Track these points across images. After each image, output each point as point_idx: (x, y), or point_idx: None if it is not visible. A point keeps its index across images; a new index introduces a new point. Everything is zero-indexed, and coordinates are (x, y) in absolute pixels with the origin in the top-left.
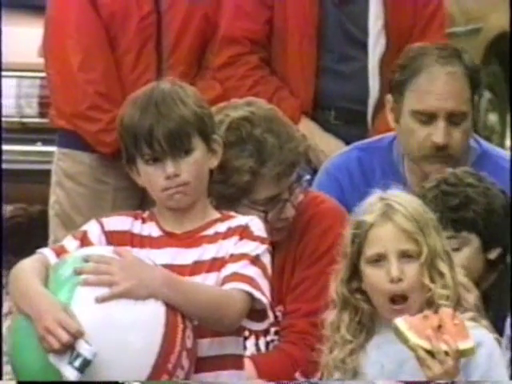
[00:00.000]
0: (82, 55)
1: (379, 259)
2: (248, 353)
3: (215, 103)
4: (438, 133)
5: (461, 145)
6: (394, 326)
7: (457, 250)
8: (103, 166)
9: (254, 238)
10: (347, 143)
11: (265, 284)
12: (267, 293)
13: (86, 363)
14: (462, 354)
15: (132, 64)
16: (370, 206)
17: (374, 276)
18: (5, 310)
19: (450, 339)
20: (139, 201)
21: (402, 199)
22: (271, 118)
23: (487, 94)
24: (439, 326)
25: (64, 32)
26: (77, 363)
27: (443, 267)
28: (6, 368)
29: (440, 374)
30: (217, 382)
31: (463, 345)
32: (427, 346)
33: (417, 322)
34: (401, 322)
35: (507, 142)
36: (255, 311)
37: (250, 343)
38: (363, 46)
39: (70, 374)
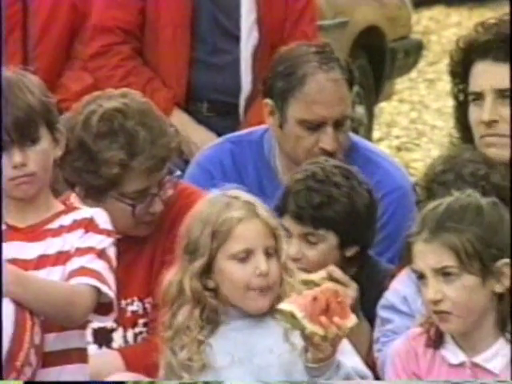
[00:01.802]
0: None
1: (246, 255)
2: (115, 345)
3: (85, 94)
4: (326, 140)
5: (345, 147)
6: (286, 313)
7: (313, 244)
8: None
9: (100, 231)
10: (219, 135)
11: (111, 278)
12: (113, 287)
13: None
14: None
15: None
16: (225, 204)
17: (238, 271)
18: None
19: (340, 320)
20: None
21: (252, 197)
22: (145, 111)
23: (354, 87)
24: (327, 306)
25: None
26: None
27: (292, 265)
28: None
29: (329, 354)
30: None
31: (349, 322)
32: (322, 332)
33: (308, 307)
34: (295, 309)
35: (374, 135)
36: (101, 305)
37: (118, 335)
38: (236, 39)
39: None
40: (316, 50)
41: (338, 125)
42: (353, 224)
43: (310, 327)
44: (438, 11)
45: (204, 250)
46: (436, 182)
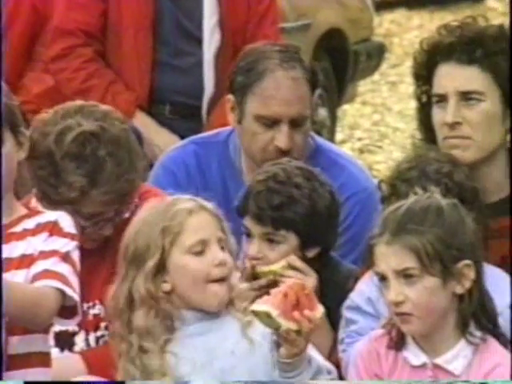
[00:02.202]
0: None
1: (202, 247)
2: (77, 348)
3: (46, 96)
4: (281, 138)
5: (302, 147)
6: (260, 314)
7: (274, 245)
8: None
9: (64, 235)
10: (182, 137)
11: (75, 281)
12: (77, 290)
13: None
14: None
15: None
16: (170, 202)
17: (197, 264)
18: None
19: (310, 312)
20: None
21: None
22: (120, 140)
23: (317, 90)
24: (297, 301)
25: None
26: None
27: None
28: None
29: (303, 348)
30: None
31: (318, 313)
32: (296, 327)
33: (281, 304)
34: (270, 308)
35: (337, 137)
36: (65, 308)
37: (80, 339)
38: (198, 41)
39: None
40: (279, 49)
41: (294, 124)
42: (314, 225)
43: (285, 324)
44: (399, 14)
45: (155, 248)
46: (400, 179)
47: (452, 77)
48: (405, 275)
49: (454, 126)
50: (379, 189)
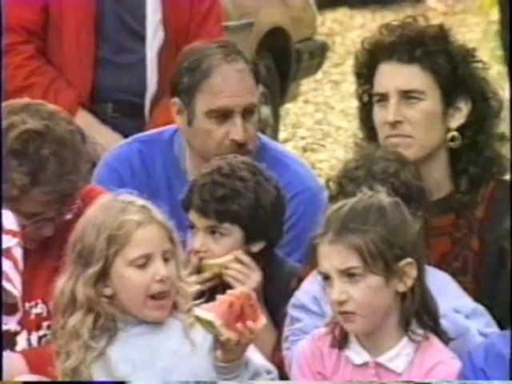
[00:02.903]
0: None
1: (145, 261)
2: (19, 348)
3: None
4: (235, 130)
5: (255, 139)
6: (204, 321)
7: (218, 238)
8: None
9: (6, 231)
10: (125, 136)
11: (16, 277)
12: (19, 286)
13: None
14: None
15: None
16: (121, 208)
17: (138, 277)
18: None
19: (253, 324)
20: None
21: (146, 201)
22: (65, 141)
23: (260, 88)
24: (241, 312)
25: None
26: None
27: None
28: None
29: (240, 355)
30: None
31: (260, 324)
32: (236, 337)
33: (225, 314)
34: (214, 317)
35: (280, 135)
36: (6, 305)
37: (22, 338)
38: (141, 39)
39: None
40: (219, 45)
41: (246, 114)
42: (258, 219)
43: (226, 334)
44: (341, 13)
45: (100, 255)
46: (347, 178)
47: (393, 76)
48: (348, 274)
49: (395, 124)
50: (327, 188)
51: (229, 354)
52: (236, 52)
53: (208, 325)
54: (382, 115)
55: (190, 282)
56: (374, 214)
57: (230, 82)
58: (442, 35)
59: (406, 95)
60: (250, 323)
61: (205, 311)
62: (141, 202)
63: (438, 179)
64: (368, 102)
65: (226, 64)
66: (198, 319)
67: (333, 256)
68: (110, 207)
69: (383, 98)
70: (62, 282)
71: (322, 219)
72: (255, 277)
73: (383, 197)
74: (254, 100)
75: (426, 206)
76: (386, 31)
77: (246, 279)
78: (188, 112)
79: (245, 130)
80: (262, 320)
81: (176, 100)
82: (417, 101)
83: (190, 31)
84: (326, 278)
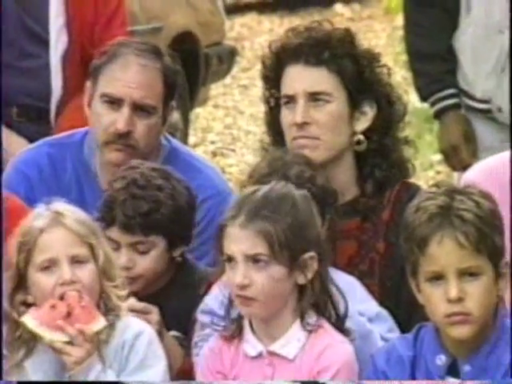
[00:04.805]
0: None
1: (50, 265)
2: None
3: None
4: (120, 119)
5: (144, 137)
6: (23, 324)
7: (145, 252)
8: None
9: None
10: (31, 141)
11: None
12: None
13: None
14: (96, 334)
15: None
16: (38, 215)
17: (44, 281)
18: None
19: (82, 325)
20: None
21: (69, 207)
22: None
23: (173, 102)
24: (68, 313)
25: None
26: None
27: (114, 268)
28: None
29: (82, 356)
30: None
31: (95, 326)
32: (63, 338)
33: (46, 316)
34: (29, 319)
35: (190, 140)
36: None
37: None
38: (45, 43)
39: None
40: (140, 42)
41: (137, 109)
42: (179, 224)
43: (49, 335)
44: (250, 18)
45: (12, 264)
46: (262, 184)
47: (300, 78)
48: (254, 260)
49: (302, 126)
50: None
51: (67, 357)
52: (152, 51)
53: (27, 328)
54: (289, 117)
55: (118, 285)
56: (287, 204)
57: (128, 72)
58: (348, 39)
59: (313, 97)
60: (78, 325)
61: (26, 315)
62: (60, 207)
63: (344, 182)
64: (275, 106)
65: (132, 55)
66: (23, 324)
67: (242, 240)
68: (29, 217)
69: (291, 100)
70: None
71: (233, 202)
72: (154, 318)
73: (294, 189)
74: (149, 99)
75: (336, 209)
76: (292, 34)
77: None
78: (90, 93)
79: (130, 121)
80: (100, 322)
81: (88, 82)
82: (324, 103)
83: (95, 34)
84: (230, 260)
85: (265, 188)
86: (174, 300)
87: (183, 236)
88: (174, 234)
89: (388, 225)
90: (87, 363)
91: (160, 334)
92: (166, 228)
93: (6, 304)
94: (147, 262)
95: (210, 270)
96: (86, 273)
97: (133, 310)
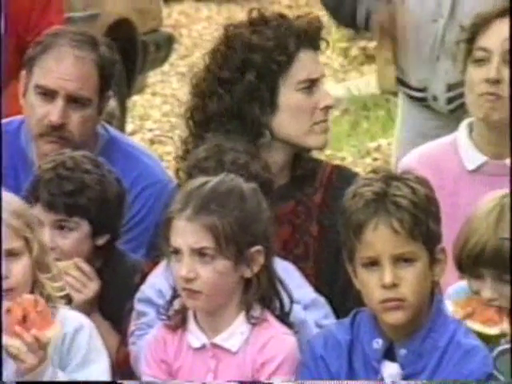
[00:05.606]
0: None
1: None
2: None
3: None
4: (53, 111)
5: (78, 129)
6: None
7: (67, 233)
8: None
9: None
10: None
11: None
12: None
13: None
14: (50, 340)
15: None
16: None
17: None
18: None
19: (37, 332)
20: None
21: (6, 197)
22: None
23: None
24: (24, 317)
25: None
26: None
27: (49, 260)
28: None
29: (35, 363)
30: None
31: (50, 332)
32: (16, 343)
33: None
34: None
35: (127, 128)
36: None
37: None
38: None
39: None
40: (75, 31)
41: (71, 101)
42: (105, 212)
43: (4, 340)
44: (188, 5)
45: None
46: (197, 168)
47: None
48: (200, 253)
49: None
50: (176, 177)
51: (20, 363)
52: (87, 42)
53: None
54: None
55: (54, 276)
56: (235, 198)
57: (63, 63)
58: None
59: None
60: (33, 331)
61: None
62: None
63: (277, 167)
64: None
65: (67, 46)
66: None
67: (188, 233)
68: None
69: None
70: None
71: (180, 194)
72: (93, 286)
73: (243, 182)
74: (84, 91)
75: (271, 197)
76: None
77: (83, 288)
78: (25, 84)
79: (64, 113)
80: (55, 327)
81: (23, 72)
82: None
83: (31, 21)
84: (176, 252)
85: (213, 181)
86: (102, 290)
87: (108, 225)
88: (99, 220)
89: (321, 208)
90: (40, 369)
91: (93, 304)
92: (90, 212)
93: None
94: (68, 243)
95: (141, 260)
96: (19, 266)
97: (79, 269)
